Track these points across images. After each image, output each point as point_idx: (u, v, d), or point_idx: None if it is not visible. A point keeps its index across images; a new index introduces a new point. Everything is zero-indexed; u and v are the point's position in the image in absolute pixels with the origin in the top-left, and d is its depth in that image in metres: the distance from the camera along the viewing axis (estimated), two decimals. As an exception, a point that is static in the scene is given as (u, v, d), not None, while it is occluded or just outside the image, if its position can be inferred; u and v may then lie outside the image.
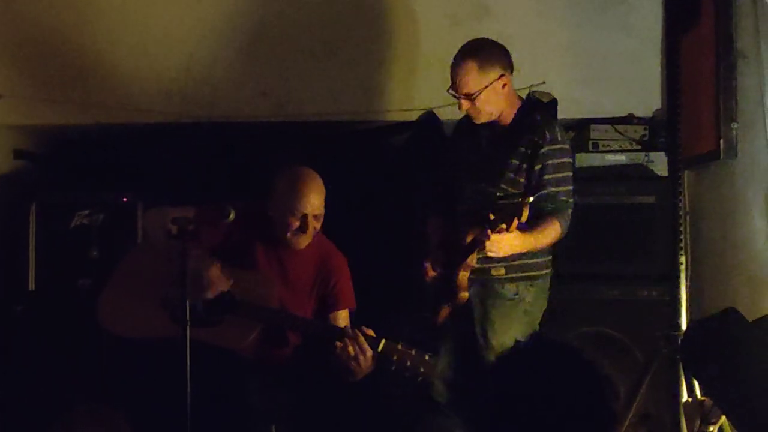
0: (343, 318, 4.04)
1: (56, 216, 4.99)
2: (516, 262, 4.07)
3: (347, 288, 4.08)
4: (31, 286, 4.97)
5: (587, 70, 4.99)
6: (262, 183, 4.03)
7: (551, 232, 4.02)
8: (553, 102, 4.73)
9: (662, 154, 4.79)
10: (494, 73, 4.02)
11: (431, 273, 4.10)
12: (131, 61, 5.05)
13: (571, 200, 4.07)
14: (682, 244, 4.27)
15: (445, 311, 4.06)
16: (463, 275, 3.97)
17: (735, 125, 4.35)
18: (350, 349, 3.70)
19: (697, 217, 4.77)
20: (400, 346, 3.70)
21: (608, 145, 4.87)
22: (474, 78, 4.01)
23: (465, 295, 4.01)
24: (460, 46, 4.15)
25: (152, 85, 5.03)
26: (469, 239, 3.93)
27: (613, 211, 4.73)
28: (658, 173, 4.79)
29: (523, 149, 4.04)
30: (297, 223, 3.90)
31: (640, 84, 4.99)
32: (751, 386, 3.14)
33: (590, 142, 4.87)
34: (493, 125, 4.15)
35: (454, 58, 4.07)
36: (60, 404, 4.19)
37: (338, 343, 3.73)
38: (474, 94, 4.01)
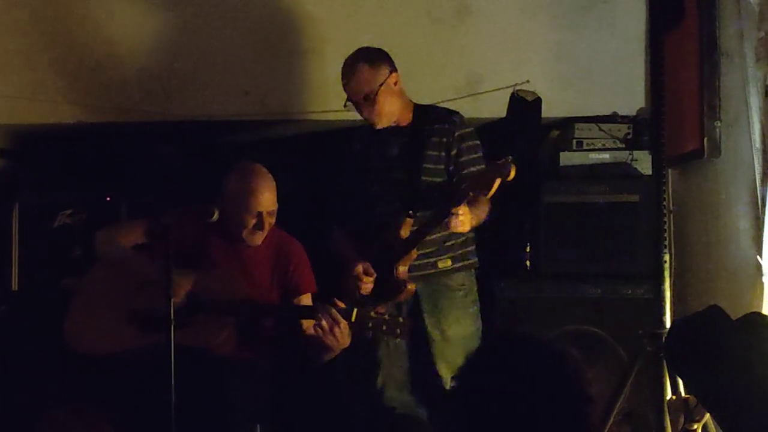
0: (306, 302, 4.04)
1: (39, 216, 4.97)
2: (459, 252, 4.19)
3: (307, 272, 4.08)
4: (14, 286, 4.95)
5: (571, 68, 4.99)
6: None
7: (486, 207, 4.07)
8: (538, 101, 4.73)
9: (646, 152, 4.79)
10: (384, 69, 4.14)
11: (368, 279, 4.05)
12: (114, 59, 5.03)
13: None
14: (666, 243, 4.27)
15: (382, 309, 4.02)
16: (404, 269, 4.01)
17: (719, 124, 4.36)
18: (324, 323, 3.70)
19: (681, 216, 4.78)
20: (373, 313, 3.71)
21: (592, 144, 4.87)
22: (368, 77, 4.11)
23: (412, 287, 4.04)
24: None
25: (135, 84, 5.01)
26: (403, 233, 3.98)
27: (596, 209, 4.73)
28: (642, 172, 4.79)
29: (436, 139, 4.17)
30: (253, 221, 3.91)
31: (624, 82, 4.99)
32: (734, 384, 3.14)
33: (574, 141, 4.87)
34: (394, 129, 4.22)
35: (343, 72, 4.17)
36: (43, 405, 4.18)
37: (312, 320, 3.74)
38: (372, 92, 4.09)
